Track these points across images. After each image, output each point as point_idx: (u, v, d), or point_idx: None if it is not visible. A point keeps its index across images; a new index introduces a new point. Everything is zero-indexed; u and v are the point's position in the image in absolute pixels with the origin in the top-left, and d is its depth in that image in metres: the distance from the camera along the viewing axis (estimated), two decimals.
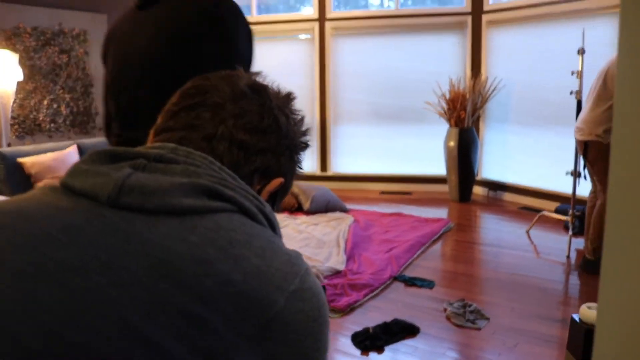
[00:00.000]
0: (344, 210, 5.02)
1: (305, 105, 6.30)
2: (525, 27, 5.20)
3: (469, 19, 5.60)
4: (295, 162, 0.75)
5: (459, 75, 5.74)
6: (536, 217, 4.43)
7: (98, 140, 4.97)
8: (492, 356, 2.43)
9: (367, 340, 2.57)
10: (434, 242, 4.16)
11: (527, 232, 4.35)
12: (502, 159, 5.61)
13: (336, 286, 3.18)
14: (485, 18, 5.51)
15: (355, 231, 4.25)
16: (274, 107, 0.71)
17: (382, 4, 6.25)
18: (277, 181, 0.72)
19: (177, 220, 0.56)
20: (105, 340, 0.47)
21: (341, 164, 6.34)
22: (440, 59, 5.84)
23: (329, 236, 4.14)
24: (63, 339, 0.46)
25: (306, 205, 4.93)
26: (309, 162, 6.35)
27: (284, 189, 0.75)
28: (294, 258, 0.60)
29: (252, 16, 6.37)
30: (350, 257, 3.71)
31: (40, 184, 3.93)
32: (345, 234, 4.15)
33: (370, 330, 2.63)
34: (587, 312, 0.92)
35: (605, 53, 4.56)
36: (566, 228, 4.37)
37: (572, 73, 3.79)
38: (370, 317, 2.85)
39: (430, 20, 5.78)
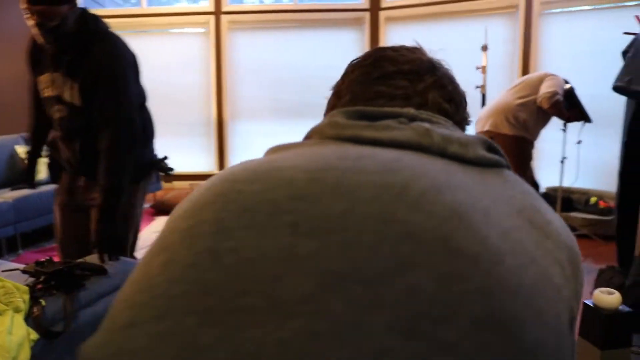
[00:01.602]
0: None
1: (201, 103, 6.03)
2: (424, 24, 5.40)
3: (367, 15, 5.70)
4: None
5: None
6: None
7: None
8: None
9: None
10: None
11: None
12: None
13: None
14: (383, 15, 5.63)
15: None
16: (455, 81, 0.70)
17: None
18: None
19: (491, 172, 0.54)
20: (529, 276, 0.45)
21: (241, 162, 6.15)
22: (340, 55, 5.88)
23: None
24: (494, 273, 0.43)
25: None
26: (205, 160, 6.09)
27: None
28: None
29: (142, 7, 5.94)
30: None
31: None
32: None
33: None
34: (602, 297, 0.91)
35: (505, 50, 4.88)
36: None
37: (477, 68, 3.99)
38: None
39: (329, 15, 5.79)
